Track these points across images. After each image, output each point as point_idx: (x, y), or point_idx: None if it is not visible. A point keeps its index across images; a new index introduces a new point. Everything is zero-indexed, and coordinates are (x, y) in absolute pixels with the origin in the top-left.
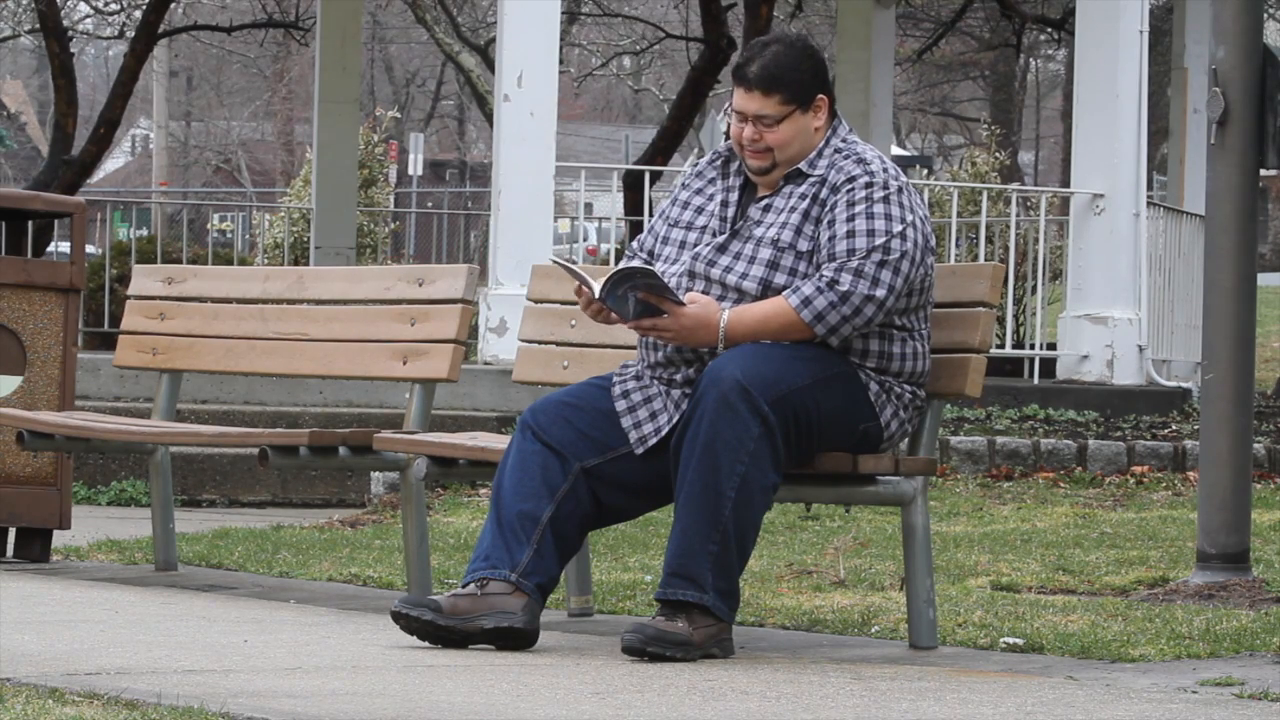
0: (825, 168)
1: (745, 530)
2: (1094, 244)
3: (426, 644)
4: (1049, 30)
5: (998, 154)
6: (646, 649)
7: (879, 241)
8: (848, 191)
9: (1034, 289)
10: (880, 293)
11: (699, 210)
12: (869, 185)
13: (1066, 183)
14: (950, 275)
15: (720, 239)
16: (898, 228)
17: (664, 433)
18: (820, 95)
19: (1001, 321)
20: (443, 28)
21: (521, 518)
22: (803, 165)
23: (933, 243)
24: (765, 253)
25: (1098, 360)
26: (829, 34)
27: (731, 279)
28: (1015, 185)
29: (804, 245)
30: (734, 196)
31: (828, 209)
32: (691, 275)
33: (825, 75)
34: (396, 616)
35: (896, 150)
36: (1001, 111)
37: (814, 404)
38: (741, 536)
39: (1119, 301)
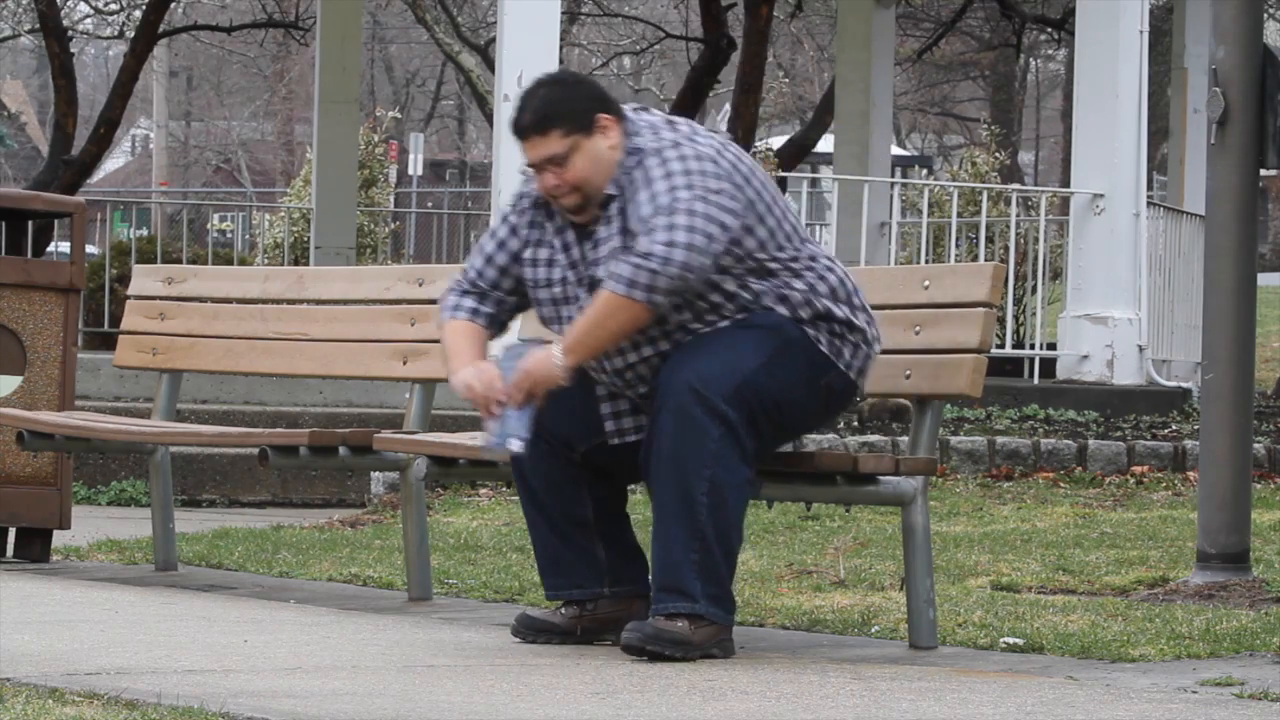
0: (621, 177)
1: (726, 531)
2: (1094, 244)
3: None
4: (1049, 30)
5: (998, 154)
6: (646, 647)
7: (663, 200)
8: (631, 182)
9: (1034, 289)
10: (682, 237)
11: (548, 263)
12: (640, 163)
13: (1066, 183)
14: (950, 275)
15: (581, 301)
16: (680, 180)
17: (643, 432)
18: (600, 115)
19: (1001, 321)
20: (443, 28)
21: (570, 521)
22: (610, 188)
23: (744, 165)
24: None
25: (1098, 360)
26: (829, 34)
27: None
28: (1015, 185)
29: None
30: (574, 249)
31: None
32: None
33: (601, 95)
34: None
35: (896, 150)
36: (1001, 111)
37: (771, 381)
38: (723, 538)
39: (1119, 301)
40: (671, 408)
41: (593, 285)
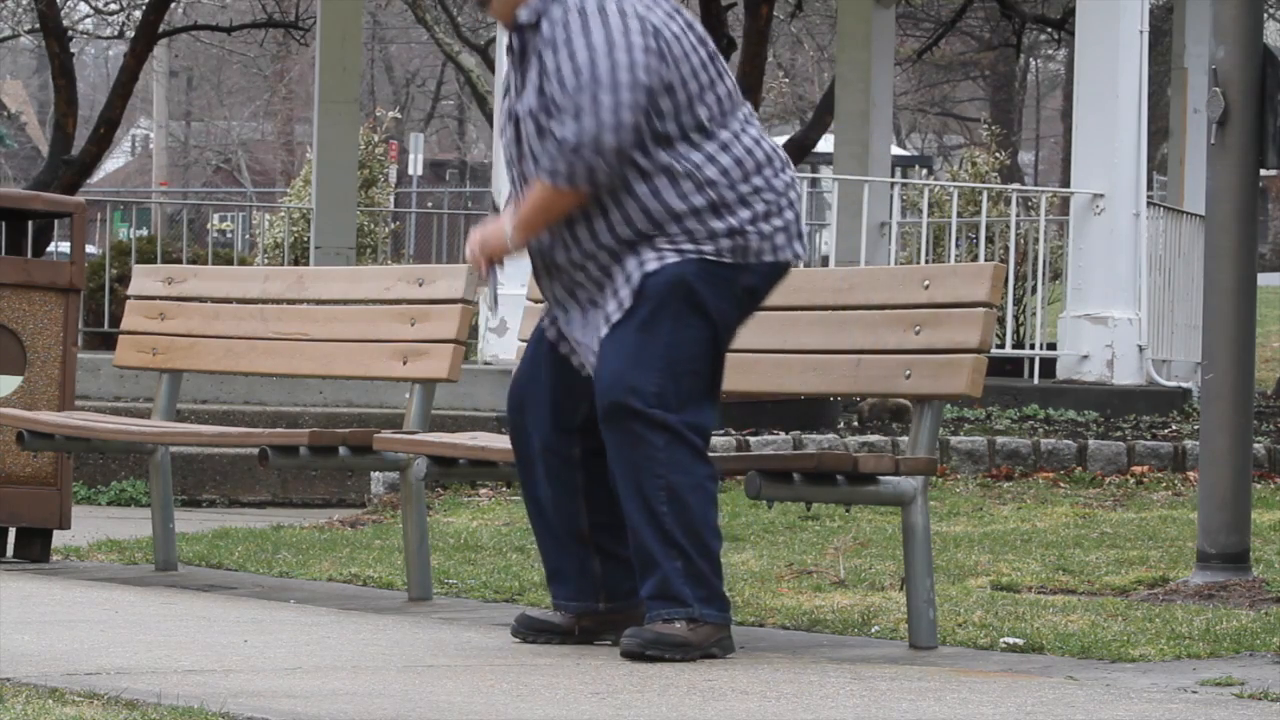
0: (541, 10)
1: (698, 531)
2: (1094, 244)
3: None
4: (1049, 30)
5: (998, 154)
6: (645, 652)
7: (584, 76)
8: (551, 31)
9: (1034, 289)
10: (590, 123)
11: (503, 109)
12: (565, 16)
13: (1066, 183)
14: (951, 275)
15: (514, 145)
16: (601, 49)
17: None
18: None
19: (1001, 321)
20: (443, 28)
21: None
22: (526, 15)
23: (655, 33)
24: (530, 126)
25: (1098, 360)
26: (829, 34)
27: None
28: (1015, 185)
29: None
30: (511, 90)
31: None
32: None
33: None
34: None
35: (896, 150)
36: (1001, 111)
37: (693, 344)
38: (696, 539)
39: (1119, 301)
40: (614, 430)
41: (516, 125)
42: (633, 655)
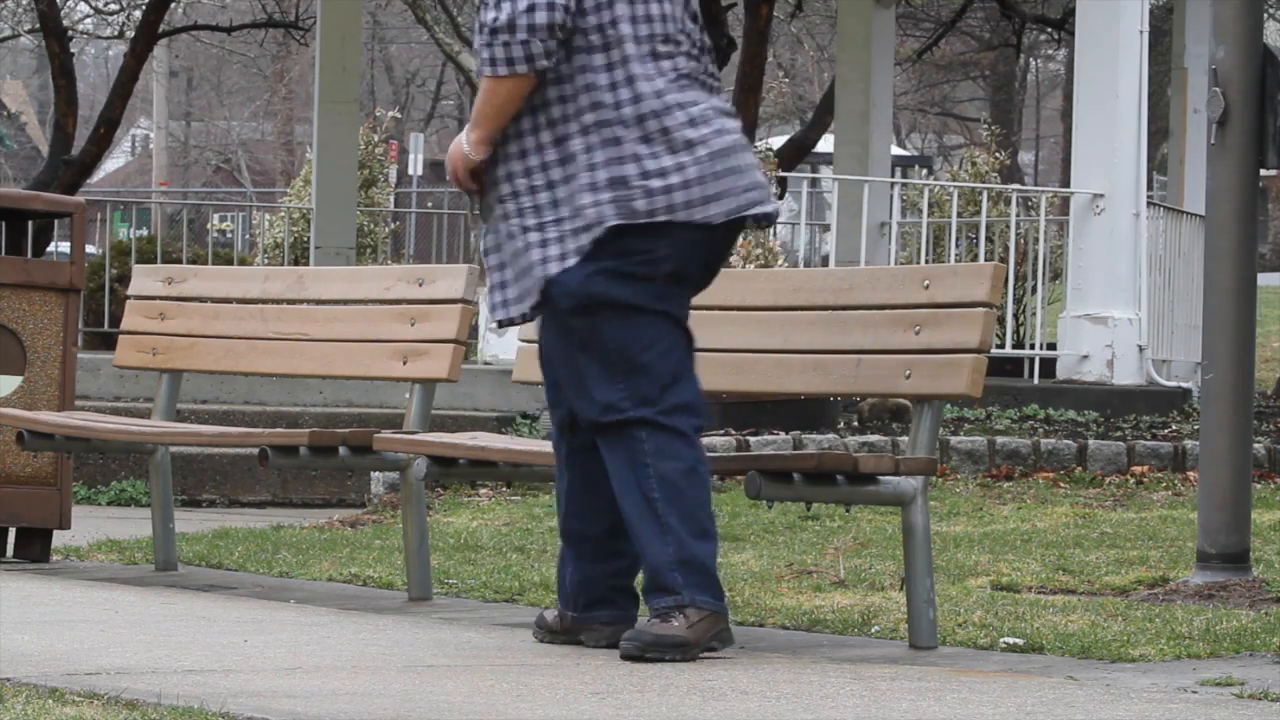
0: None
1: (692, 514)
2: (1094, 244)
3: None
4: (1049, 30)
5: (998, 154)
6: (645, 655)
7: None
8: None
9: (1034, 289)
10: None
11: None
12: None
13: (1066, 183)
14: (950, 275)
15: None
16: None
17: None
18: None
19: (1001, 321)
20: (443, 28)
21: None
22: None
23: None
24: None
25: (1098, 360)
26: (829, 34)
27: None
28: (1015, 185)
29: None
30: None
31: None
32: None
33: None
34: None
35: (896, 150)
36: (1001, 111)
37: (634, 337)
38: (691, 523)
39: (1119, 301)
40: (601, 440)
41: None
42: (632, 658)
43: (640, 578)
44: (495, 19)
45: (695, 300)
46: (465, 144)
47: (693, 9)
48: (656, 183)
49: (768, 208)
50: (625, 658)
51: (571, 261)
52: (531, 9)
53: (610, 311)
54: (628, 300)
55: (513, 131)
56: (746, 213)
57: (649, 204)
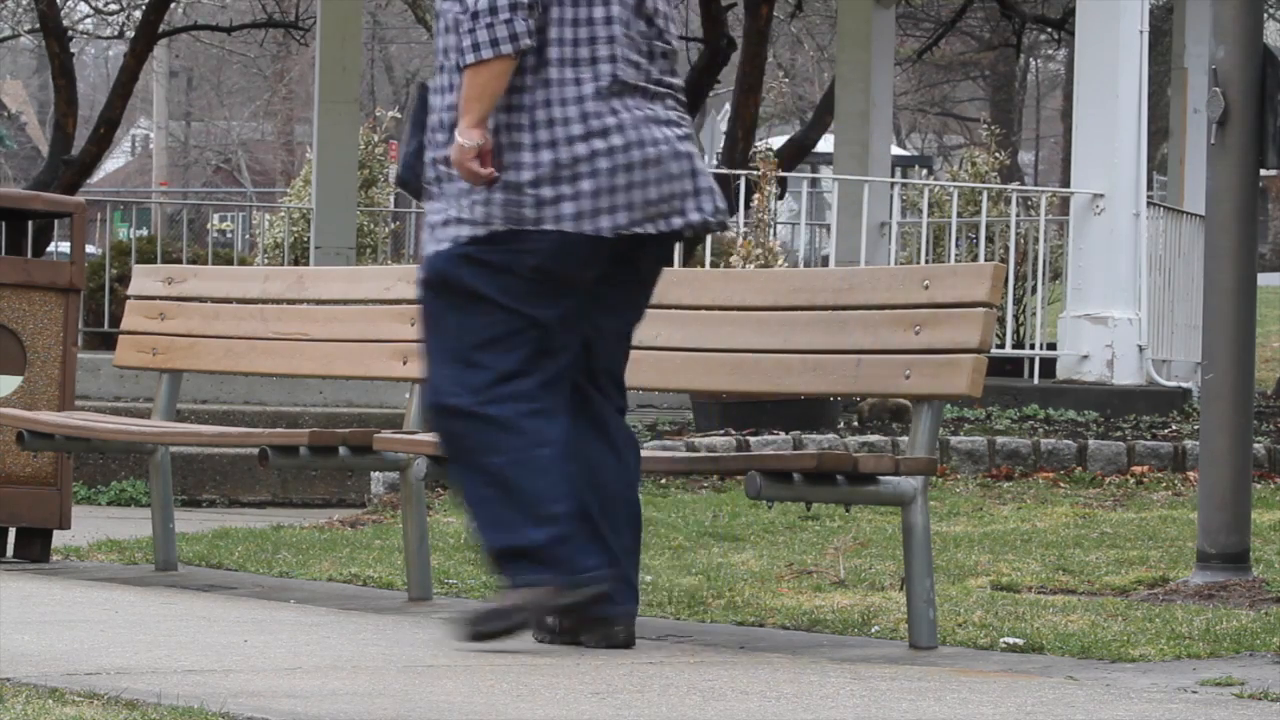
0: None
1: (529, 503)
2: (1094, 244)
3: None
4: (1049, 30)
5: (998, 154)
6: (475, 630)
7: None
8: None
9: (1034, 289)
10: None
11: None
12: None
13: (1066, 183)
14: (950, 275)
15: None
16: None
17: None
18: None
19: (1001, 321)
20: None
21: None
22: None
23: None
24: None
25: (1098, 360)
26: (829, 34)
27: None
28: (1015, 185)
29: None
30: None
31: None
32: None
33: None
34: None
35: (896, 150)
36: (1001, 111)
37: (479, 327)
38: (525, 511)
39: (1119, 301)
40: (432, 421)
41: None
42: (465, 633)
43: (641, 576)
44: (476, 3)
45: (696, 299)
46: (461, 136)
47: (649, 10)
48: (547, 192)
49: (689, 218)
50: (459, 638)
51: (445, 246)
52: None
53: (460, 297)
54: (479, 289)
55: (449, 120)
56: (646, 229)
57: (536, 213)
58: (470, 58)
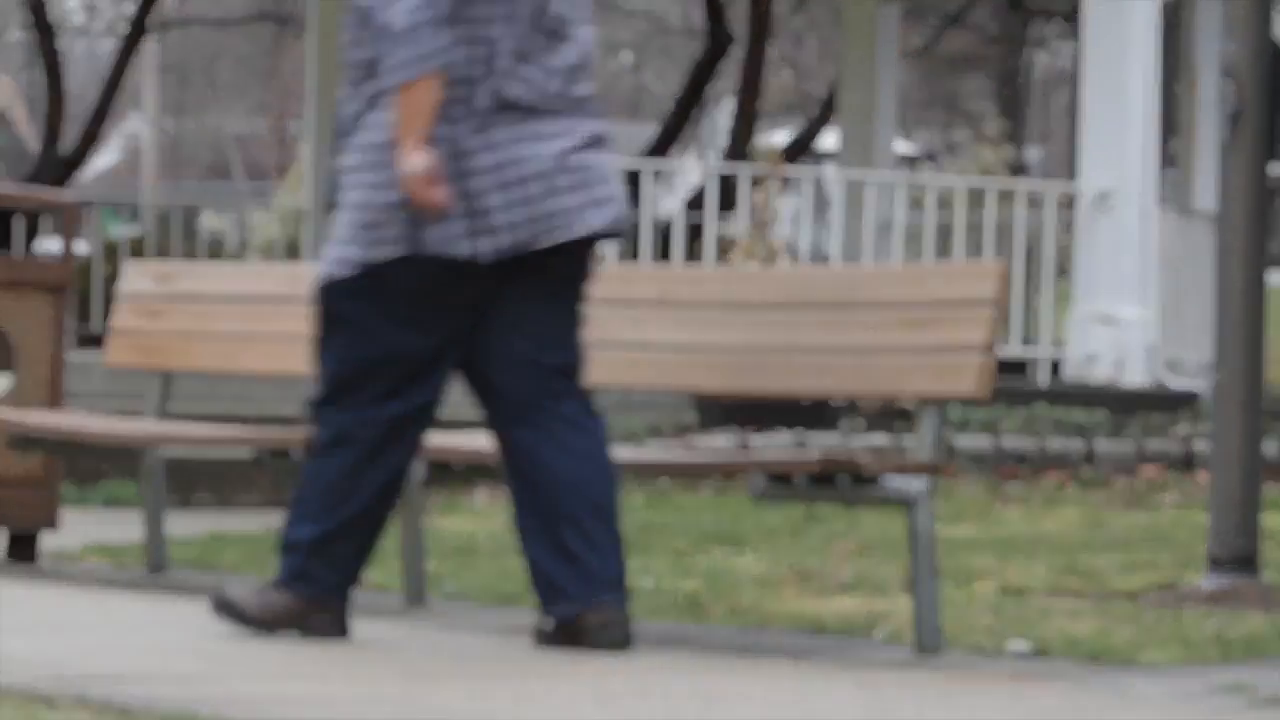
0: None
1: (306, 503)
2: (1102, 242)
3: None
4: (1057, 22)
5: (1004, 150)
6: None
7: None
8: None
9: (1041, 288)
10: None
11: None
12: None
13: (1074, 180)
14: (956, 273)
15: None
16: None
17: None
18: None
19: (1008, 321)
20: None
21: None
22: None
23: None
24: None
25: (1106, 360)
26: (833, 28)
27: None
28: (1022, 181)
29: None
30: None
31: None
32: None
33: None
34: None
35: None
36: (1008, 107)
37: (344, 355)
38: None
39: (1128, 301)
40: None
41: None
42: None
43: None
44: (390, 22)
45: (697, 298)
46: (405, 164)
47: (550, 25)
48: (420, 216)
49: (574, 231)
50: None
51: (327, 268)
52: (423, 5)
53: (334, 321)
54: (349, 316)
55: (358, 144)
56: (527, 246)
57: (411, 238)
58: (400, 77)
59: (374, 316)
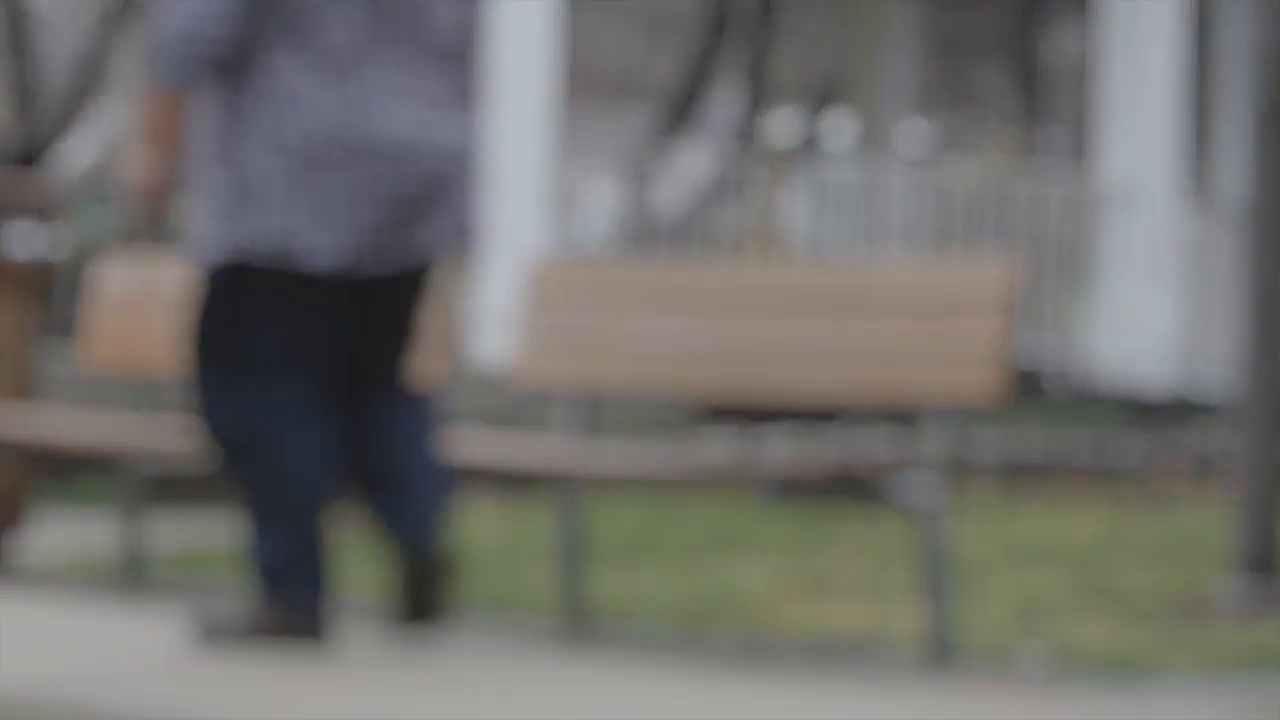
0: None
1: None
2: (1123, 238)
3: None
4: (1075, 10)
5: (1020, 140)
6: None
7: None
8: None
9: (1058, 284)
10: (181, 9)
11: None
12: None
13: (1093, 172)
14: (969, 269)
15: None
16: None
17: None
18: None
19: (1023, 320)
20: None
21: None
22: None
23: None
24: None
25: (1124, 362)
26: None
27: None
28: (1039, 173)
29: None
30: None
31: None
32: None
33: None
34: None
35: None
36: (1024, 96)
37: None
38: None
39: (1148, 299)
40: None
41: None
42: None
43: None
44: (164, 31)
45: (698, 297)
46: (140, 167)
47: (418, 20)
48: (252, 222)
49: (421, 240)
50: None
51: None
52: (195, 19)
53: (201, 315)
54: (208, 314)
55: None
56: (369, 256)
57: (242, 243)
58: (153, 87)
59: (221, 315)
